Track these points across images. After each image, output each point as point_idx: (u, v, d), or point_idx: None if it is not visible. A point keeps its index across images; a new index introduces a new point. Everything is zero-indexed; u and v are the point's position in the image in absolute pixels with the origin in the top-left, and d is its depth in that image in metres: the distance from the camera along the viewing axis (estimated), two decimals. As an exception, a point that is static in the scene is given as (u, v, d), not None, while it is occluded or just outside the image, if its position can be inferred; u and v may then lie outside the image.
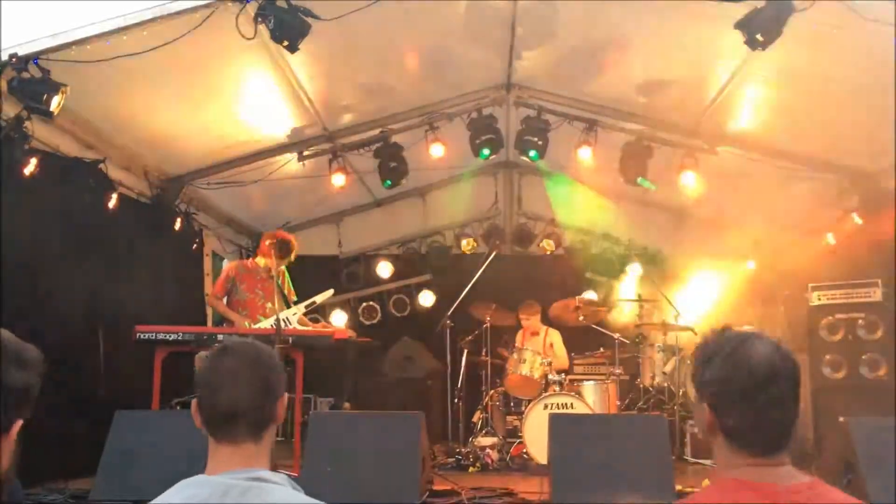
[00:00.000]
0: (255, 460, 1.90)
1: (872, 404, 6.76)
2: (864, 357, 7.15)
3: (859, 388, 7.07)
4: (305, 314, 7.01)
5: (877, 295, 7.24)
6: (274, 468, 2.00)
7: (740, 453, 1.77)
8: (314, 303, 6.84)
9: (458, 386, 8.14)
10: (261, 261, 7.07)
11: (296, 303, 6.96)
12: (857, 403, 6.77)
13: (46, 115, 5.52)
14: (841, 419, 5.09)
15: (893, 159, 7.08)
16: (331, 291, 7.07)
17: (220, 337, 6.20)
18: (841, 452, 4.88)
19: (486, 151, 8.13)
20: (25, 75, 5.37)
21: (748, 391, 1.73)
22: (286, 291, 7.07)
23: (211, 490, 1.79)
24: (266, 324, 6.52)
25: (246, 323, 6.69)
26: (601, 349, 8.89)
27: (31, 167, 5.72)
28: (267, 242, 6.84)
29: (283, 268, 7.14)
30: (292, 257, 7.07)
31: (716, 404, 1.78)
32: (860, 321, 7.23)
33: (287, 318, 6.41)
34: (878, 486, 4.43)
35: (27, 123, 5.60)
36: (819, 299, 7.55)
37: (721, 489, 1.77)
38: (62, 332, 6.14)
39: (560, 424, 5.30)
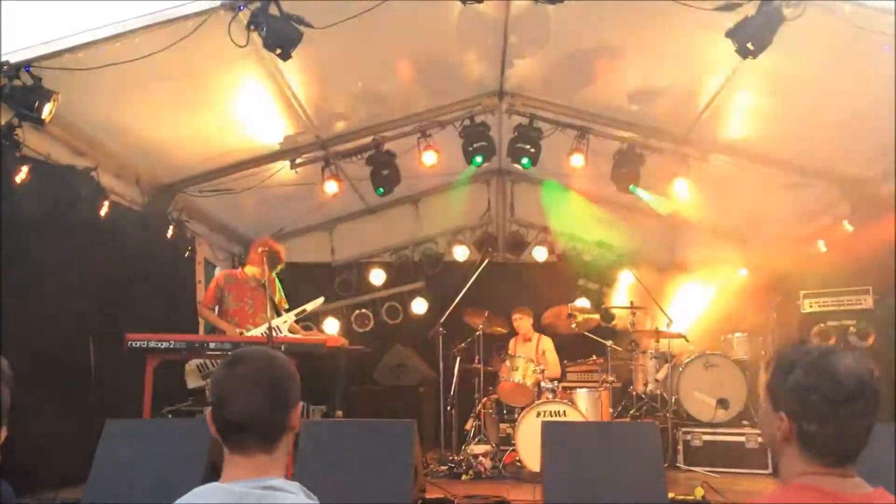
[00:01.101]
0: (268, 469, 1.89)
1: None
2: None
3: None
4: (298, 322, 7.00)
5: (868, 302, 7.27)
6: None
7: (813, 463, 1.79)
8: (304, 311, 6.84)
9: (451, 393, 8.12)
10: (250, 270, 7.06)
11: (287, 311, 6.95)
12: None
13: (38, 123, 5.50)
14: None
15: (887, 166, 7.12)
16: (321, 299, 7.07)
17: (211, 345, 6.20)
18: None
19: (478, 159, 8.14)
20: (17, 83, 5.36)
21: (835, 401, 1.75)
22: (277, 300, 7.07)
23: (225, 498, 1.79)
24: (256, 332, 6.52)
25: (237, 331, 6.68)
26: (594, 356, 8.89)
27: (22, 175, 5.70)
28: (259, 250, 6.84)
29: (274, 276, 7.13)
30: (279, 263, 7.06)
31: (796, 412, 1.79)
32: (851, 328, 7.25)
33: (277, 327, 6.40)
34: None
35: (18, 131, 5.59)
36: (810, 306, 7.58)
37: (795, 494, 1.78)
38: (53, 340, 6.12)
39: (553, 432, 5.29)
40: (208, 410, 1.94)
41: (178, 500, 1.85)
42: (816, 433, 1.77)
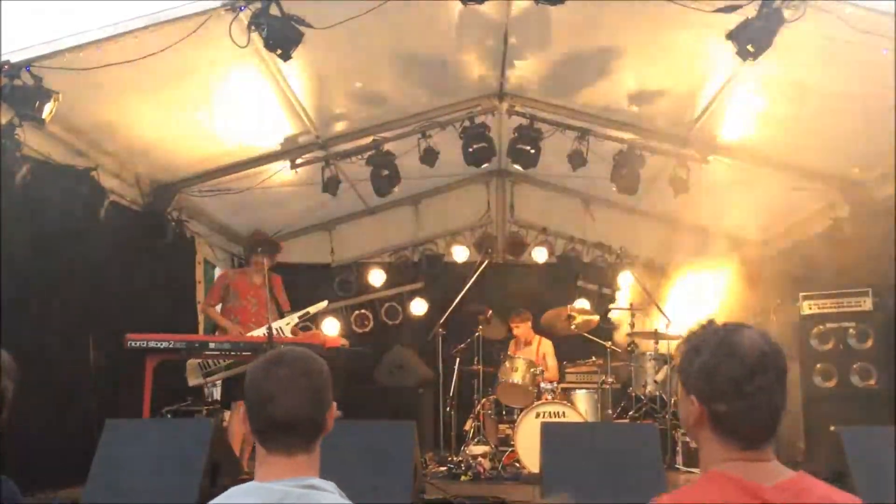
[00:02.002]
0: (307, 469, 1.91)
1: (864, 413, 6.78)
2: (855, 366, 7.17)
3: (850, 397, 7.09)
4: (297, 323, 7.01)
5: (867, 304, 7.27)
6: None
7: (727, 446, 1.77)
8: (308, 313, 6.84)
9: (450, 394, 8.13)
10: (253, 268, 7.06)
11: (289, 312, 6.96)
12: (848, 412, 6.78)
13: (38, 123, 5.51)
14: (832, 428, 5.10)
15: (886, 168, 7.12)
16: (325, 303, 7.09)
17: (211, 345, 6.21)
18: (832, 461, 4.88)
19: (478, 160, 8.14)
20: (18, 82, 5.37)
21: (739, 379, 1.74)
22: (280, 301, 7.07)
23: (266, 497, 1.80)
24: (258, 333, 6.52)
25: (239, 331, 6.68)
26: (593, 358, 8.90)
27: (22, 174, 5.71)
28: (256, 246, 6.85)
29: (277, 276, 7.14)
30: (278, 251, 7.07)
31: (705, 393, 1.78)
32: (851, 330, 7.25)
33: (280, 328, 6.41)
34: (869, 494, 4.44)
35: (19, 130, 5.59)
36: (810, 308, 7.57)
37: (708, 485, 1.76)
38: (52, 339, 6.12)
39: (552, 433, 5.29)
40: (243, 409, 1.94)
41: (216, 498, 1.85)
42: (725, 413, 1.75)
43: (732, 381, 1.74)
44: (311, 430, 1.93)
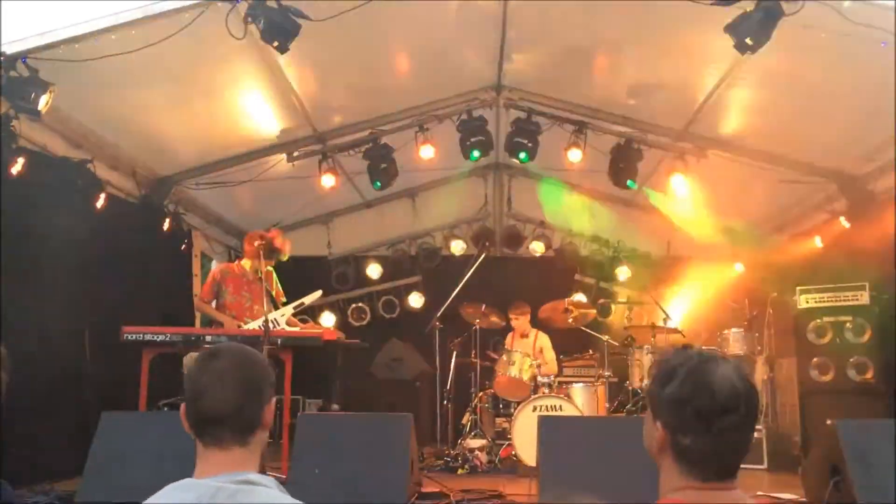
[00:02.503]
0: (243, 464, 1.89)
1: (860, 407, 6.79)
2: (851, 360, 7.18)
3: (847, 390, 7.10)
4: (295, 315, 6.99)
5: (864, 298, 7.27)
6: (262, 470, 1.99)
7: (687, 476, 1.74)
8: (302, 304, 6.82)
9: (448, 388, 8.13)
10: (247, 263, 7.04)
11: (284, 304, 6.94)
12: (844, 406, 6.80)
13: (34, 115, 5.49)
14: (828, 422, 5.11)
15: (883, 162, 7.13)
16: (319, 293, 7.05)
17: (208, 338, 6.19)
18: (828, 455, 4.89)
19: (476, 153, 8.14)
20: (13, 74, 5.34)
21: (708, 414, 1.69)
22: (274, 293, 7.05)
23: (199, 493, 1.78)
24: (254, 325, 6.50)
25: (236, 324, 6.66)
26: (590, 351, 8.90)
27: (18, 167, 5.69)
28: (256, 244, 6.80)
29: (271, 269, 7.11)
30: (283, 257, 7.05)
31: (671, 424, 1.74)
32: (848, 324, 7.26)
33: (275, 320, 6.39)
34: (865, 488, 4.45)
35: (15, 123, 5.58)
36: (807, 302, 7.58)
37: None
38: (49, 332, 6.11)
39: (549, 426, 5.29)
40: (182, 405, 1.95)
41: (152, 497, 1.83)
42: (689, 447, 1.71)
43: (701, 416, 1.70)
44: (244, 424, 1.90)
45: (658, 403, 1.78)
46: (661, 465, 1.80)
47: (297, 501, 1.82)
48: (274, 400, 1.99)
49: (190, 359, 6.56)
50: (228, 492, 1.77)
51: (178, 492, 1.82)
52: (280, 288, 7.20)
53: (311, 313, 10.31)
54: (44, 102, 5.41)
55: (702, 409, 1.69)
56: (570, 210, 10.25)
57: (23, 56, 5.36)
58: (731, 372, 1.73)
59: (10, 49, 5.29)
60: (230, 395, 1.88)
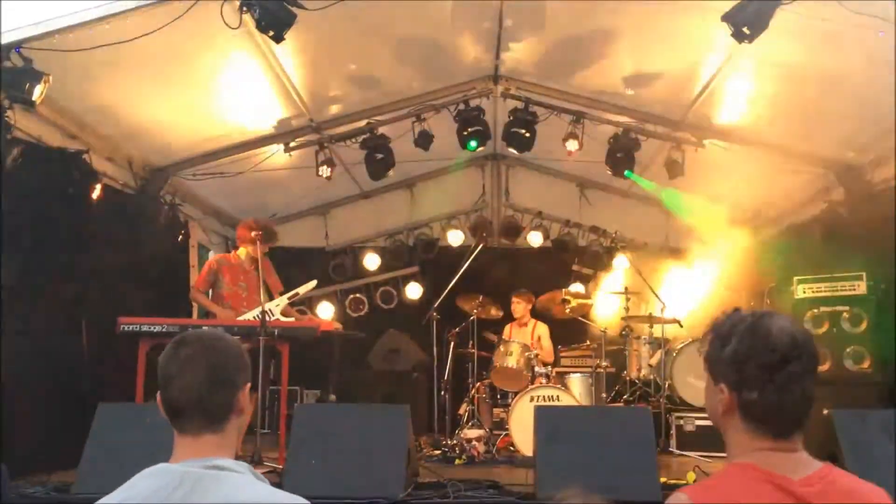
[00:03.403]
0: (216, 450, 1.88)
1: (856, 396, 6.79)
2: (848, 350, 7.17)
3: (843, 380, 7.09)
4: (292, 306, 6.99)
5: (861, 288, 7.25)
6: (260, 460, 1.98)
7: (757, 435, 1.75)
8: (297, 294, 6.81)
9: (445, 378, 8.14)
10: (242, 252, 7.02)
11: (281, 294, 6.93)
12: (840, 396, 6.79)
13: (29, 105, 5.47)
14: (825, 411, 5.11)
15: (882, 152, 7.11)
16: (314, 283, 7.04)
17: (204, 329, 6.17)
18: (824, 444, 4.90)
19: (473, 143, 8.12)
20: (7, 64, 5.32)
21: (771, 366, 1.71)
22: (270, 283, 7.04)
23: (167, 479, 1.78)
24: (249, 316, 6.50)
25: (230, 315, 6.65)
26: (588, 342, 8.91)
27: (13, 157, 5.67)
28: (253, 234, 6.80)
29: (267, 258, 7.11)
30: (275, 240, 7.04)
31: (736, 381, 1.75)
32: (845, 314, 7.24)
33: (270, 310, 6.38)
34: (860, 477, 4.46)
35: (9, 113, 5.55)
36: (804, 292, 7.56)
37: (736, 476, 1.73)
38: (46, 323, 6.10)
39: (545, 416, 5.29)
40: (158, 392, 1.95)
41: (126, 483, 1.83)
42: (755, 401, 1.73)
43: (764, 368, 1.72)
44: (215, 410, 1.90)
45: (719, 365, 1.80)
46: (727, 429, 1.81)
47: (270, 488, 1.82)
48: (248, 385, 1.98)
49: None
50: (193, 477, 1.76)
51: (147, 479, 1.81)
52: (276, 277, 7.20)
53: (308, 304, 10.32)
54: (38, 93, 5.39)
55: (764, 361, 1.72)
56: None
57: (17, 46, 5.33)
58: (787, 323, 1.76)
59: (3, 39, 5.26)
60: (196, 382, 1.88)
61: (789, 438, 1.75)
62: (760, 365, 1.72)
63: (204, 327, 6.12)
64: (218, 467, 1.80)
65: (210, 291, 6.94)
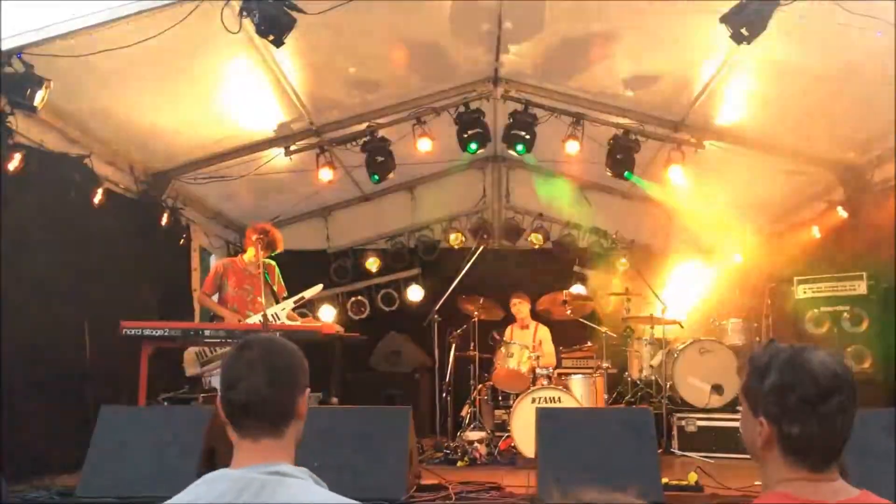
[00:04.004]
0: (276, 454, 1.88)
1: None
2: (849, 349, 7.19)
3: (844, 380, 7.11)
4: (294, 309, 7.01)
5: (862, 288, 7.28)
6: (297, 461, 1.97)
7: (794, 467, 1.75)
8: (303, 298, 6.84)
9: (446, 380, 8.14)
10: (248, 256, 7.06)
11: (286, 298, 6.96)
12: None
13: (30, 110, 5.48)
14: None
15: (881, 152, 7.13)
16: (319, 287, 7.06)
17: (207, 332, 6.21)
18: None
19: (473, 146, 8.13)
20: (9, 70, 5.34)
21: (813, 399, 1.71)
22: (276, 287, 7.06)
23: (230, 485, 1.78)
24: (255, 319, 6.52)
25: (237, 319, 6.68)
26: (589, 343, 8.91)
27: (15, 162, 5.69)
28: (254, 237, 6.83)
29: (273, 263, 7.13)
30: (278, 248, 7.06)
31: (776, 414, 1.74)
32: (845, 314, 7.27)
33: (276, 314, 6.41)
34: (861, 478, 4.46)
35: (11, 118, 5.56)
36: (804, 292, 7.60)
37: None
38: (48, 327, 6.12)
39: (547, 418, 5.30)
40: (219, 396, 1.95)
41: (185, 489, 1.83)
42: (798, 435, 1.72)
43: (807, 401, 1.71)
44: (276, 414, 1.90)
45: (758, 397, 1.78)
46: (766, 461, 1.80)
47: (331, 493, 1.82)
48: (308, 390, 1.98)
49: (190, 353, 6.59)
50: (258, 483, 1.77)
51: (209, 484, 1.81)
52: (282, 282, 7.22)
53: (310, 307, 10.33)
54: (39, 98, 5.41)
55: (806, 394, 1.71)
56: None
57: (18, 51, 5.35)
58: (826, 357, 1.76)
59: (5, 45, 5.28)
60: (260, 385, 1.88)
61: (826, 470, 1.75)
62: (803, 398, 1.71)
63: (209, 332, 6.14)
64: (280, 473, 1.80)
65: (216, 294, 6.98)
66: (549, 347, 8.72)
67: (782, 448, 1.75)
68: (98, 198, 6.83)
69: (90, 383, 6.49)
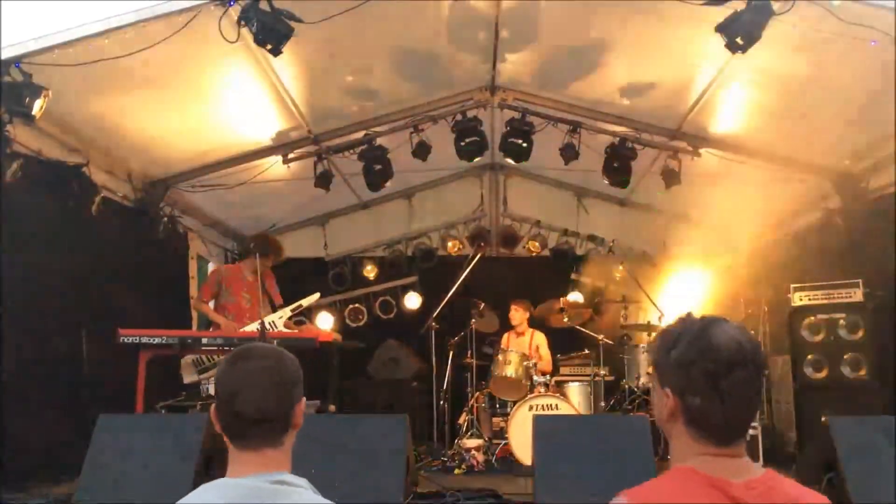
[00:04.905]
0: (275, 464, 1.89)
1: (854, 404, 6.81)
2: (845, 357, 7.19)
3: (841, 387, 7.12)
4: (291, 317, 7.02)
5: (858, 295, 7.29)
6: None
7: (699, 441, 1.74)
8: (300, 306, 6.85)
9: (444, 387, 8.15)
10: (246, 264, 7.07)
11: (282, 306, 6.96)
12: (838, 403, 6.81)
13: (28, 119, 5.50)
14: (823, 419, 5.13)
15: (877, 160, 7.15)
16: (317, 295, 7.07)
17: (204, 340, 6.21)
18: (822, 452, 4.92)
19: (471, 154, 8.15)
20: (7, 79, 5.35)
21: (715, 373, 1.70)
22: (272, 295, 7.07)
23: (235, 493, 1.79)
24: (252, 327, 6.53)
25: (234, 326, 6.69)
26: (586, 350, 8.93)
27: (13, 171, 5.70)
28: (251, 245, 6.86)
29: (270, 271, 7.14)
30: (280, 257, 7.07)
31: (679, 386, 1.75)
32: (841, 321, 7.27)
33: (273, 322, 6.42)
34: (859, 484, 4.48)
35: (9, 127, 5.58)
36: (801, 300, 7.60)
37: (674, 480, 1.74)
38: (45, 335, 6.12)
39: (544, 425, 5.31)
40: (213, 405, 1.94)
41: (188, 495, 1.84)
42: (699, 406, 1.72)
43: (709, 374, 1.71)
44: (278, 425, 1.91)
45: (665, 369, 1.80)
46: (672, 435, 1.81)
47: (324, 500, 1.84)
48: (304, 399, 1.99)
49: (187, 361, 6.59)
50: (266, 492, 1.78)
51: (212, 491, 1.82)
52: (277, 291, 7.23)
53: (308, 314, 10.33)
54: (38, 107, 5.43)
55: (709, 367, 1.71)
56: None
57: (17, 60, 5.37)
58: (734, 331, 1.76)
59: (3, 54, 5.31)
60: (264, 397, 1.88)
61: (731, 445, 1.75)
62: (705, 371, 1.71)
63: (206, 340, 6.14)
64: (282, 482, 1.82)
65: (213, 302, 6.98)
66: (545, 352, 8.73)
67: (686, 421, 1.75)
68: (95, 206, 6.85)
69: (88, 391, 6.49)
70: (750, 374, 1.73)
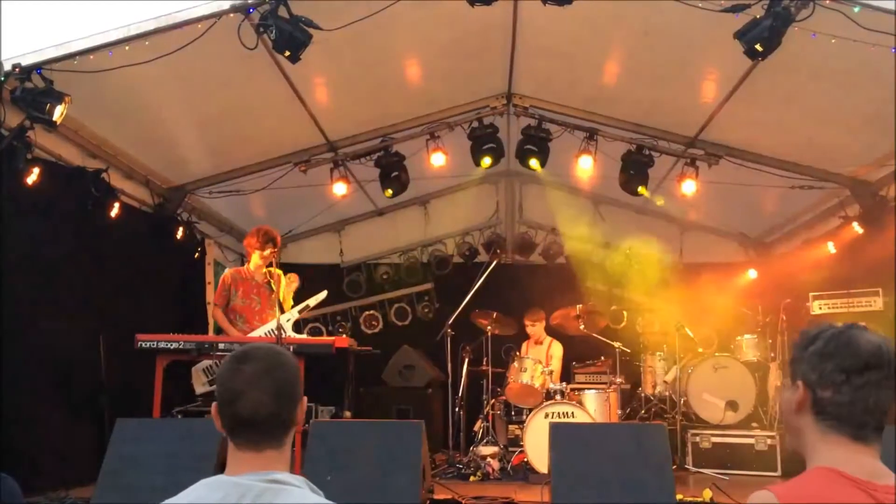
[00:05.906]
0: (275, 464, 1.89)
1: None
2: (865, 366, 7.13)
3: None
4: (307, 322, 7.01)
5: (878, 304, 7.24)
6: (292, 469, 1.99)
7: (829, 435, 1.76)
8: (308, 306, 6.84)
9: (459, 395, 8.13)
10: (253, 264, 7.06)
11: (290, 307, 6.96)
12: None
13: (49, 125, 5.55)
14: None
15: (893, 167, 7.11)
16: (324, 293, 7.04)
17: (221, 345, 6.23)
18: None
19: (487, 161, 8.16)
20: (28, 85, 5.41)
21: (850, 369, 1.74)
22: (281, 298, 7.07)
23: (228, 491, 1.79)
24: (262, 331, 6.55)
25: (243, 330, 6.71)
26: (602, 358, 8.88)
27: (33, 176, 5.76)
28: (245, 242, 6.91)
29: (279, 272, 7.14)
30: (276, 243, 7.06)
31: (812, 379, 1.78)
32: (861, 330, 7.21)
33: (281, 325, 6.40)
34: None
35: (30, 133, 5.64)
36: (820, 308, 7.55)
37: (821, 477, 1.74)
38: (63, 340, 6.17)
39: (561, 433, 5.29)
40: (214, 405, 1.94)
41: (183, 492, 1.85)
42: (830, 399, 1.75)
43: (843, 370, 1.75)
44: (278, 426, 1.91)
45: (800, 362, 1.82)
46: (801, 429, 1.83)
47: (328, 501, 1.84)
48: (305, 399, 1.99)
49: (198, 370, 6.60)
50: (256, 491, 1.78)
51: (206, 489, 1.83)
52: (284, 293, 7.22)
53: (325, 321, 10.39)
54: (59, 113, 5.47)
55: (844, 363, 1.74)
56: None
57: (38, 67, 5.42)
58: (875, 336, 1.78)
59: (25, 60, 5.36)
60: (264, 399, 1.88)
61: (867, 443, 1.75)
62: (840, 366, 1.75)
63: (224, 345, 6.16)
64: (277, 481, 1.82)
65: (226, 306, 7.00)
66: (556, 365, 8.64)
67: (814, 412, 1.78)
68: (115, 211, 6.89)
69: (105, 396, 6.53)
70: (884, 376, 1.75)
